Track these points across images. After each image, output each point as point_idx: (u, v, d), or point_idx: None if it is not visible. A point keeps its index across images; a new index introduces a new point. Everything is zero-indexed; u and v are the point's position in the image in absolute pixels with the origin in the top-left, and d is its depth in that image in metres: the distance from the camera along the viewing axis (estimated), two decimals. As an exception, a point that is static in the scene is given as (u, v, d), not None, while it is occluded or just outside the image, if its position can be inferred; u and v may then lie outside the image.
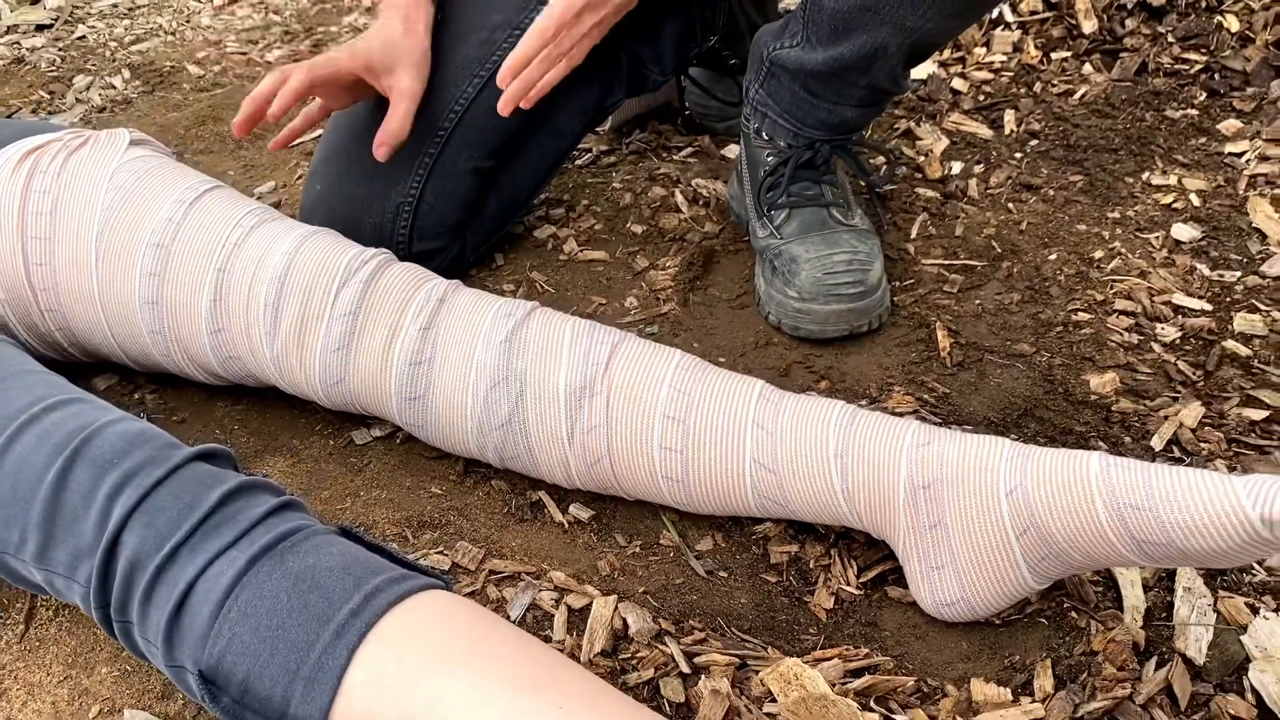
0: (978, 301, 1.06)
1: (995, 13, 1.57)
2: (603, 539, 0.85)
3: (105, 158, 0.95)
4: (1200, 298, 1.05)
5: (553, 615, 0.77)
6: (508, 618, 0.77)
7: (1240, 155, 1.27)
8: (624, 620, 0.76)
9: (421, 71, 1.04)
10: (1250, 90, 1.37)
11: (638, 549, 0.84)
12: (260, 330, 0.88)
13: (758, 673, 0.72)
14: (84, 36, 1.92)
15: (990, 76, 1.49)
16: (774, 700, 0.69)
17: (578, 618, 0.77)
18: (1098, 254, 1.12)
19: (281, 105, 0.96)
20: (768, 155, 1.09)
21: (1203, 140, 1.31)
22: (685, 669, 0.73)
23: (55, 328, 0.95)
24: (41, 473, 0.67)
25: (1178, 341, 1.00)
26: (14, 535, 0.68)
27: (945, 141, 1.35)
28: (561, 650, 0.74)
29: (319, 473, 0.92)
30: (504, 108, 0.98)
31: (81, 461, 0.67)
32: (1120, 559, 0.67)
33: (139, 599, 0.63)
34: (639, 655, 0.74)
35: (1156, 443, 0.88)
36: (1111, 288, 1.07)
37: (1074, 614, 0.75)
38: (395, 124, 1.02)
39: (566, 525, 0.86)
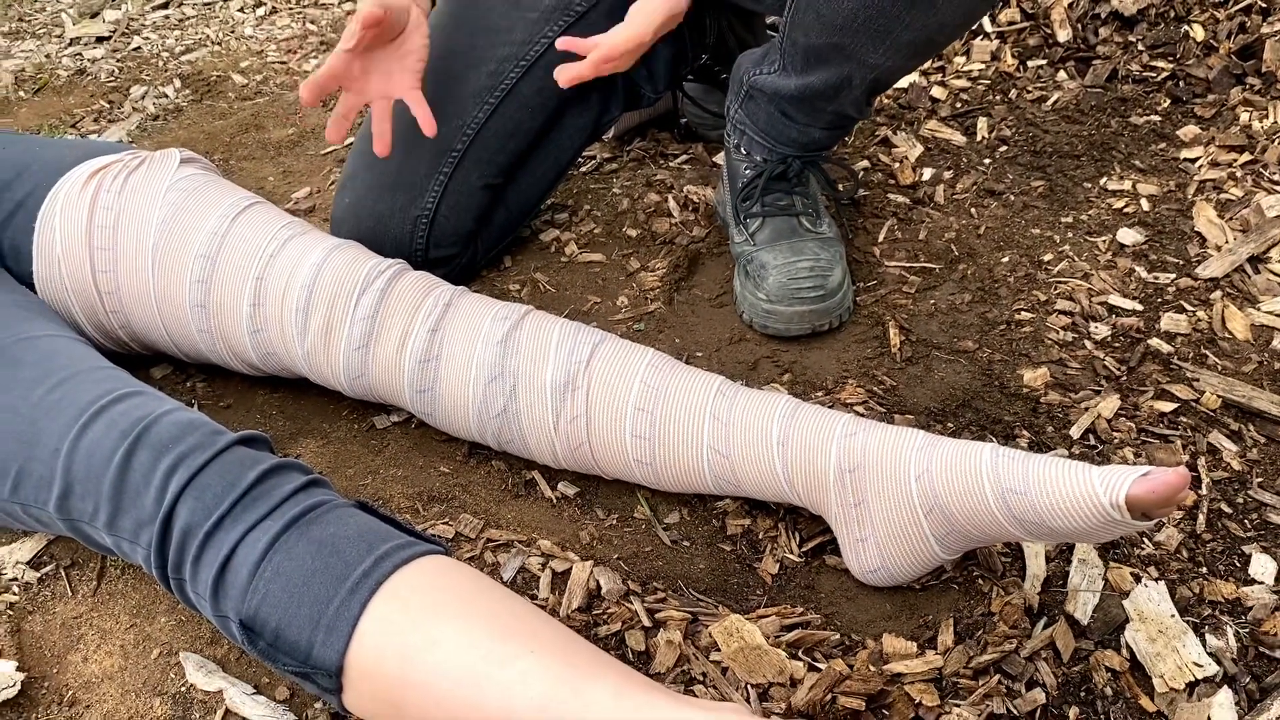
0: (932, 301, 1.18)
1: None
2: (585, 512, 0.98)
3: (159, 177, 1.08)
4: (1134, 298, 1.15)
5: (539, 577, 0.90)
6: (501, 579, 0.90)
7: (1194, 161, 1.36)
8: (598, 582, 0.89)
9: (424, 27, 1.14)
10: (1211, 97, 1.45)
11: (615, 521, 0.97)
12: (293, 331, 1.01)
13: (707, 627, 0.85)
14: (139, 48, 2.06)
15: (968, 84, 1.59)
16: (718, 650, 0.82)
17: (560, 579, 0.90)
18: (1047, 257, 1.23)
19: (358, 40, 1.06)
20: (745, 168, 1.21)
21: (1162, 146, 1.40)
22: (647, 623, 0.85)
23: (118, 326, 1.08)
24: (110, 455, 0.80)
25: (1108, 339, 1.11)
26: (88, 506, 0.81)
27: (920, 148, 1.46)
28: (544, 607, 0.88)
29: (345, 453, 1.05)
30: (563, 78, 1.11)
31: (142, 446, 0.80)
32: (1009, 535, 0.80)
33: (190, 561, 0.76)
34: (609, 611, 0.87)
35: (1075, 432, 1.00)
36: (1055, 289, 1.18)
37: (981, 581, 0.87)
38: (424, 115, 1.11)
39: (555, 500, 0.99)
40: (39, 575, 0.92)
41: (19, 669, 0.83)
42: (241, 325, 1.03)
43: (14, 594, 0.90)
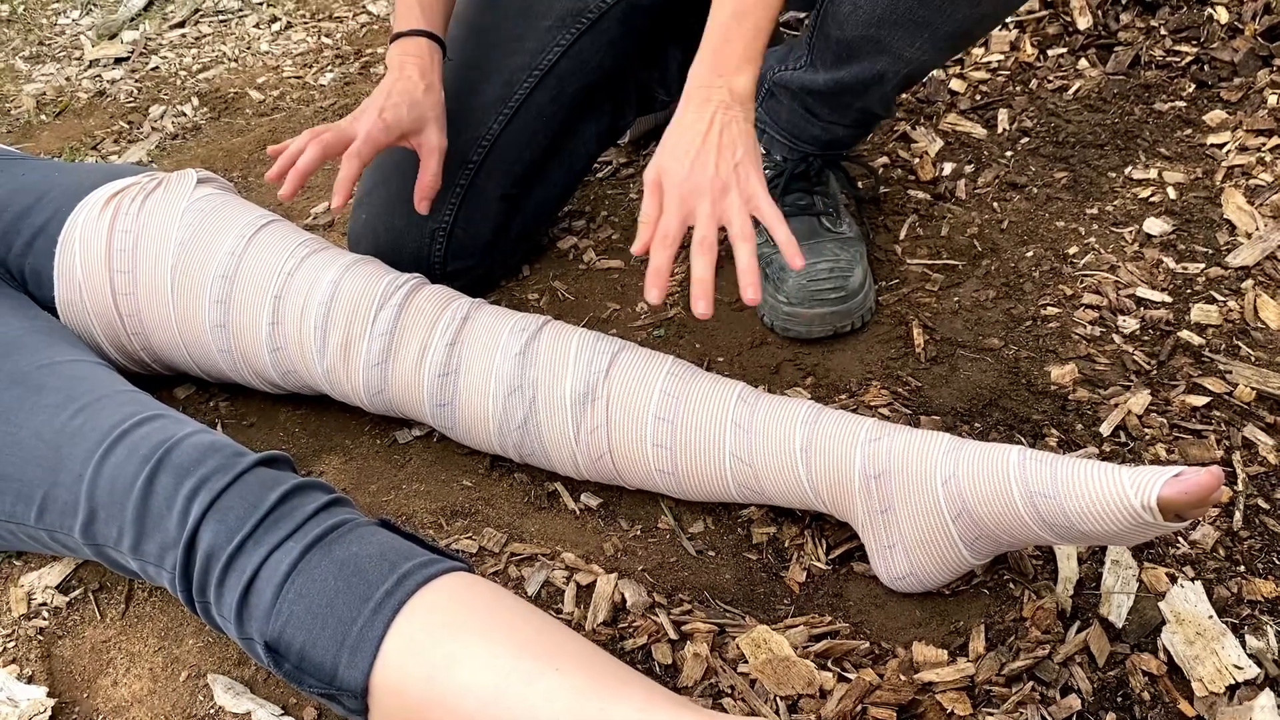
0: (956, 299, 1.16)
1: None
2: (609, 524, 0.97)
3: (176, 199, 1.08)
4: (1162, 290, 1.13)
5: (564, 591, 0.89)
6: (525, 594, 0.90)
7: (1221, 146, 1.33)
8: (623, 595, 0.88)
9: (444, 125, 1.14)
10: (1237, 81, 1.42)
11: (639, 532, 0.96)
12: (312, 349, 1.01)
13: (734, 638, 0.84)
14: (157, 67, 2.08)
15: (987, 76, 1.57)
16: (746, 661, 0.81)
17: (585, 593, 0.89)
18: (1072, 250, 1.21)
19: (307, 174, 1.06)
20: (765, 168, 1.19)
21: (1188, 132, 1.38)
22: (673, 636, 0.85)
23: (140, 348, 1.09)
24: (133, 479, 0.80)
25: (1137, 332, 1.08)
26: (113, 531, 0.81)
27: (940, 143, 1.44)
28: (569, 621, 0.87)
29: (367, 469, 1.05)
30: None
31: (165, 469, 0.80)
32: (1038, 538, 0.78)
33: (214, 584, 0.76)
34: (635, 624, 0.86)
35: (1105, 429, 0.98)
36: (1081, 282, 1.15)
37: (1012, 585, 0.86)
38: (429, 178, 1.12)
39: (578, 512, 0.99)
40: (68, 600, 0.92)
41: (50, 694, 0.84)
42: (261, 344, 1.03)
43: (44, 619, 0.91)
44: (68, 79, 2.08)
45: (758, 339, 1.15)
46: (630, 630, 0.86)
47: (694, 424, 0.91)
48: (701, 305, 0.87)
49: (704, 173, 0.90)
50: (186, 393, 1.18)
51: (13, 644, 0.89)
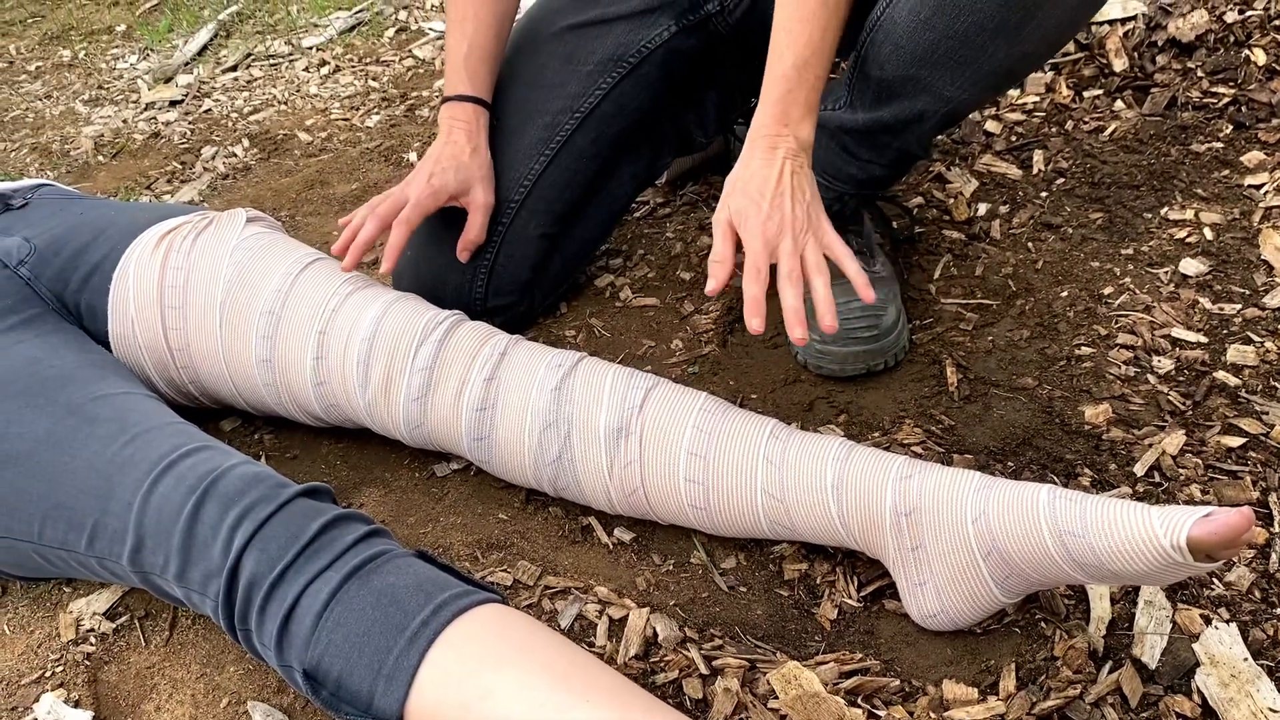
0: (990, 338, 1.16)
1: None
2: (642, 558, 0.98)
3: (226, 237, 1.12)
4: (1198, 330, 1.13)
5: (596, 624, 0.90)
6: (558, 627, 0.91)
7: (1259, 187, 1.33)
8: (654, 629, 0.89)
9: (491, 183, 1.22)
10: (1275, 122, 1.42)
11: (671, 567, 0.97)
12: (354, 383, 1.04)
13: (765, 674, 0.84)
14: (210, 109, 2.15)
15: (1023, 117, 1.58)
16: (776, 697, 0.82)
17: (617, 626, 0.90)
18: (1107, 290, 1.21)
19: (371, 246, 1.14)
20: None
21: (1225, 173, 1.37)
22: (704, 670, 0.85)
23: (188, 380, 1.12)
24: (179, 508, 0.83)
25: (1172, 373, 1.08)
26: (159, 559, 0.84)
27: (975, 183, 1.45)
28: (601, 654, 0.88)
29: (406, 501, 1.07)
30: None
31: (210, 499, 0.82)
32: (1068, 577, 0.78)
33: (256, 611, 0.78)
34: (666, 659, 0.87)
35: (1139, 469, 0.97)
36: (1116, 322, 1.16)
37: (1043, 623, 0.86)
38: (474, 234, 1.20)
39: (612, 546, 1.00)
40: (114, 626, 0.95)
41: (95, 718, 0.86)
42: (306, 378, 1.06)
43: (91, 644, 0.93)
44: (124, 121, 2.15)
45: (791, 376, 1.16)
46: (662, 664, 0.86)
47: (726, 460, 0.92)
48: (798, 331, 0.91)
49: (783, 213, 0.95)
50: (232, 425, 1.21)
51: (61, 668, 0.91)
